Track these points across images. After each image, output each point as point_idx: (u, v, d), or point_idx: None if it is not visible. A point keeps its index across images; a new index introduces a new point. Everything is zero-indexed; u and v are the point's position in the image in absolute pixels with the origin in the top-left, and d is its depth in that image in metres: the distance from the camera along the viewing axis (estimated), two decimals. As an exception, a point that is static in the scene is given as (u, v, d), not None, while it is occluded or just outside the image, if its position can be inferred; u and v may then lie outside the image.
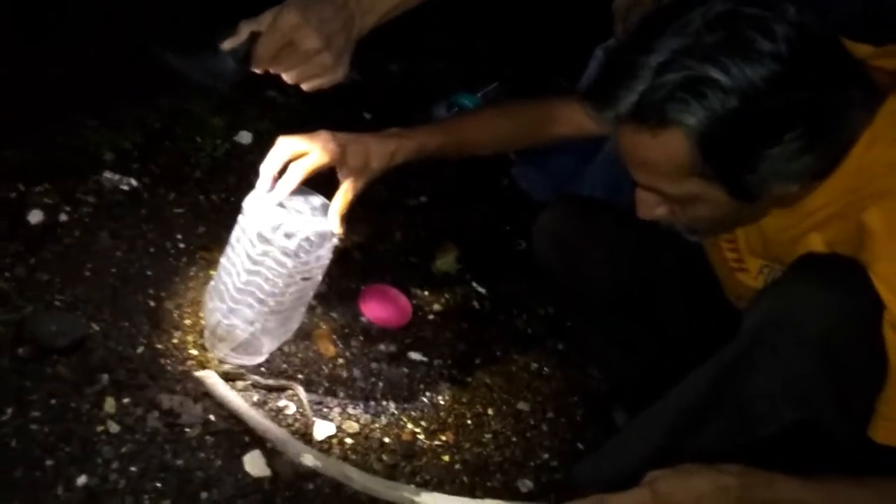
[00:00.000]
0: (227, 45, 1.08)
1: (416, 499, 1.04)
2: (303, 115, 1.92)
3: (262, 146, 1.81)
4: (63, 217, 1.46)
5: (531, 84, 2.32)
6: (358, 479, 1.08)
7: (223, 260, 1.31)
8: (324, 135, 1.22)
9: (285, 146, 1.21)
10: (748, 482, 0.97)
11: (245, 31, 1.08)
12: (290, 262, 1.23)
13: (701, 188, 1.00)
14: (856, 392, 1.00)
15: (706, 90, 0.92)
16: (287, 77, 1.13)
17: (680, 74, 0.92)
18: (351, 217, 1.80)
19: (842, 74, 0.96)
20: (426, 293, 1.71)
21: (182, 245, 1.53)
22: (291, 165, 1.21)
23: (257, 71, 1.11)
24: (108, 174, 1.57)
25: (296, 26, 1.07)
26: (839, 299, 0.98)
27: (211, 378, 1.30)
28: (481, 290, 1.79)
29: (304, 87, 1.13)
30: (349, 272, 1.65)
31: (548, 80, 2.33)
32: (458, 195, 2.00)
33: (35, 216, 1.44)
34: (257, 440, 1.25)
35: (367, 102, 2.15)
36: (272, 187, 1.22)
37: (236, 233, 1.27)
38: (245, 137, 1.82)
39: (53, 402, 1.18)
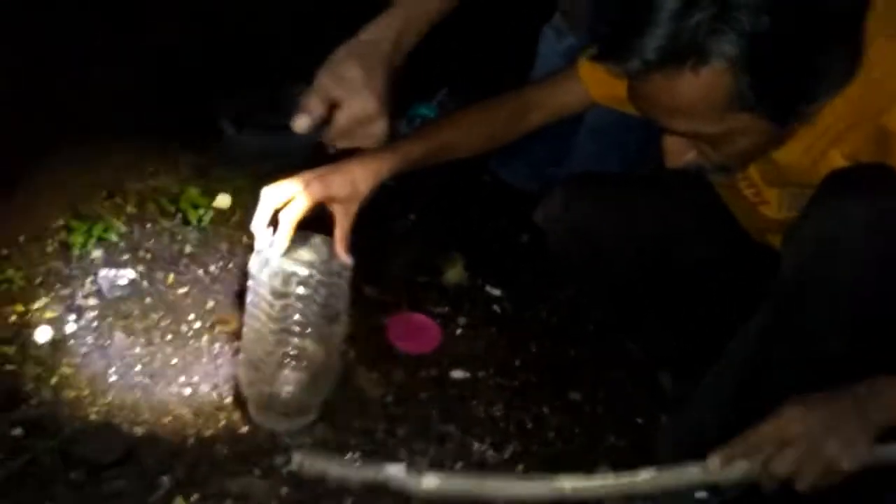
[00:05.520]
0: (300, 124, 1.05)
1: (555, 484, 0.99)
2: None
3: (244, 205, 1.77)
4: (71, 327, 1.40)
5: (480, 83, 2.30)
6: (492, 485, 1.03)
7: (245, 330, 1.27)
8: (305, 175, 1.19)
9: (270, 198, 1.17)
10: (881, 389, 0.91)
11: (316, 108, 1.05)
12: (312, 309, 1.21)
13: (742, 120, 0.96)
14: None
15: (738, 15, 0.88)
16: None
17: (707, 5, 0.88)
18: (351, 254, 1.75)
19: None
20: (446, 309, 1.69)
21: (197, 325, 1.48)
22: (280, 216, 1.17)
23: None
24: (102, 272, 1.51)
25: (374, 115, 1.06)
26: (878, 205, 0.95)
27: (306, 459, 1.24)
28: (496, 292, 1.77)
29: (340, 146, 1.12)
30: (366, 308, 1.62)
31: (496, 77, 2.31)
32: (445, 204, 1.97)
33: (43, 334, 1.38)
34: None
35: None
36: (270, 242, 1.19)
37: (250, 298, 1.24)
38: (224, 200, 1.77)
39: (122, 517, 1.13)
